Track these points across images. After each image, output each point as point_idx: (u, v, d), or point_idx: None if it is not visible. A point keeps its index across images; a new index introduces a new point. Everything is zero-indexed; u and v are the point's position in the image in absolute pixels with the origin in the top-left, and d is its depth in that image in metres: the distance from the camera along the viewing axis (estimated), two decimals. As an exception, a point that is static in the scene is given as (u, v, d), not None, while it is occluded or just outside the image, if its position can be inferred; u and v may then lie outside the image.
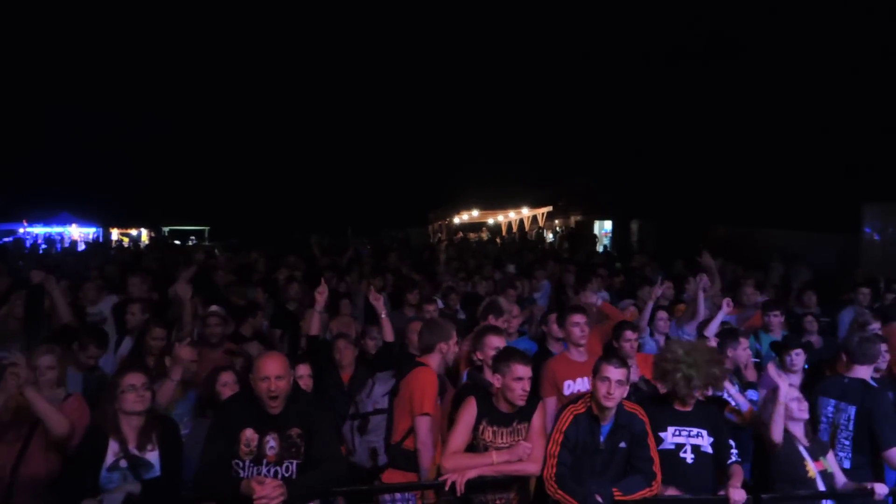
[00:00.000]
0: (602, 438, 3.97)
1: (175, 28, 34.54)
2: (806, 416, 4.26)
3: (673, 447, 4.09)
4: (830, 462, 4.24)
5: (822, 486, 4.09)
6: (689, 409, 4.18)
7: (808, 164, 22.43)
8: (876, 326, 5.97)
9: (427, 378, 4.53)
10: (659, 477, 3.88)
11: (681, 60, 26.96)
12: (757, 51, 24.63)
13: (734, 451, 4.12)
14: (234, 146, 36.12)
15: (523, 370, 3.93)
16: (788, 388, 4.25)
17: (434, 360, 4.65)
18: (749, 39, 24.95)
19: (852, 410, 4.44)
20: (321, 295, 5.37)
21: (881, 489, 3.96)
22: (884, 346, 5.05)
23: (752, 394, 5.00)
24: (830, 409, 4.55)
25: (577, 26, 29.33)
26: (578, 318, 5.05)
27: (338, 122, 34.08)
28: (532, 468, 3.95)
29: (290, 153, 35.95)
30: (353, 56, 34.23)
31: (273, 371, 3.64)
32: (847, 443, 4.44)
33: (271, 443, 3.67)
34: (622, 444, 3.95)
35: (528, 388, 3.95)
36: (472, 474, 3.90)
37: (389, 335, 5.63)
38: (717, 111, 24.85)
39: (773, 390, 4.24)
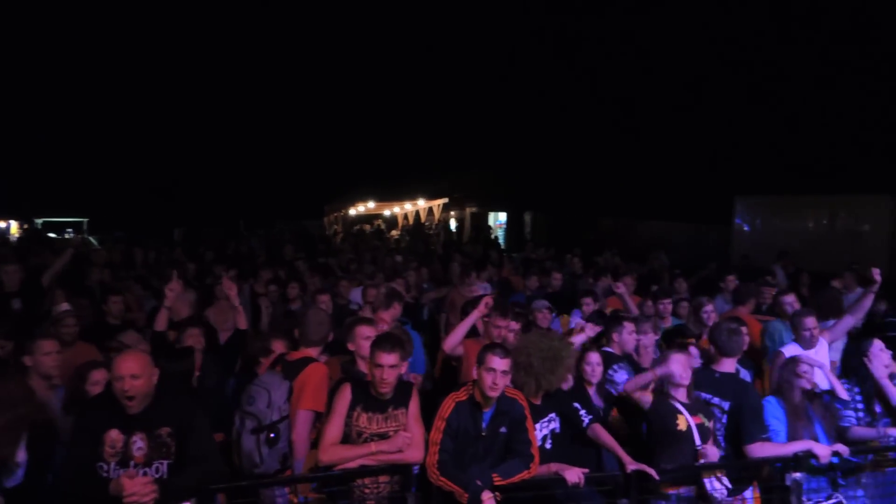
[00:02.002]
0: (484, 424, 4.02)
1: (47, 10, 32.17)
2: (687, 381, 4.41)
3: (540, 443, 4.27)
4: (709, 421, 4.44)
5: (697, 439, 4.28)
6: (538, 402, 4.38)
7: (687, 160, 23.75)
8: (709, 308, 6.44)
9: (314, 373, 4.46)
10: (537, 459, 3.99)
11: (573, 55, 27.79)
12: (640, 50, 25.73)
13: (582, 412, 4.35)
14: (117, 131, 34.03)
15: (387, 357, 3.93)
16: (675, 356, 4.45)
17: (316, 352, 4.59)
18: (632, 38, 26.02)
19: (726, 405, 4.60)
20: (171, 291, 5.27)
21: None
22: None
23: (620, 374, 5.18)
24: (705, 402, 4.65)
25: (466, 17, 29.65)
26: (367, 331, 4.69)
27: (230, 111, 32.77)
28: (414, 455, 3.95)
29: (178, 141, 34.31)
30: (245, 43, 33.05)
31: (127, 370, 3.49)
32: (720, 437, 4.59)
33: (139, 443, 3.50)
34: (503, 430, 4.03)
35: (389, 376, 3.95)
36: (352, 464, 3.89)
37: (243, 323, 5.64)
38: (605, 108, 25.85)
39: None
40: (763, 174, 20.41)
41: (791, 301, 6.31)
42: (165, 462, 3.54)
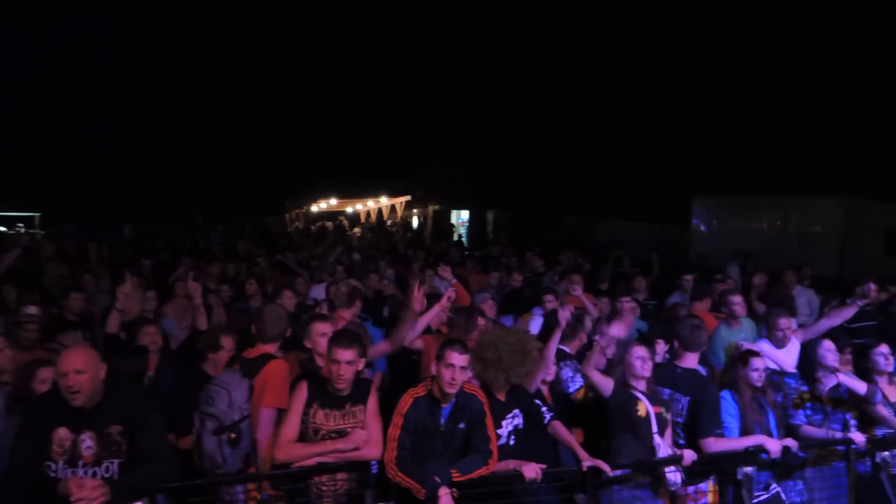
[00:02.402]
0: (442, 420, 4.02)
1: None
2: (648, 374, 4.47)
3: (504, 440, 4.29)
4: (668, 413, 4.51)
5: (654, 427, 4.35)
6: (503, 398, 4.40)
7: (646, 160, 24.15)
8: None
9: (275, 370, 4.40)
10: (496, 455, 4.00)
11: (535, 54, 27.98)
12: (601, 51, 26.03)
13: (544, 408, 4.40)
14: (69, 124, 33.09)
15: (344, 353, 3.91)
16: (636, 349, 4.52)
17: (274, 349, 4.53)
18: (591, 39, 26.31)
19: (685, 401, 4.67)
20: (122, 294, 5.24)
21: (690, 456, 4.31)
22: None
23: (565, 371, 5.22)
24: (665, 397, 4.73)
25: (431, 15, 29.64)
26: (323, 327, 4.62)
27: (188, 105, 32.13)
28: (372, 452, 3.94)
29: (134, 134, 33.50)
30: (204, 34, 32.44)
31: (71, 365, 3.42)
32: (680, 431, 4.68)
33: (87, 442, 3.42)
34: (461, 426, 4.03)
35: (346, 372, 3.92)
36: (309, 462, 3.85)
37: (203, 324, 5.58)
38: (568, 108, 26.10)
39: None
40: (720, 175, 20.86)
41: (738, 301, 6.35)
42: (116, 461, 3.47)
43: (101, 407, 3.48)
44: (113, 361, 3.81)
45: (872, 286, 6.31)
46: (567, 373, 5.16)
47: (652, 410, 4.38)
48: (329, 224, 24.39)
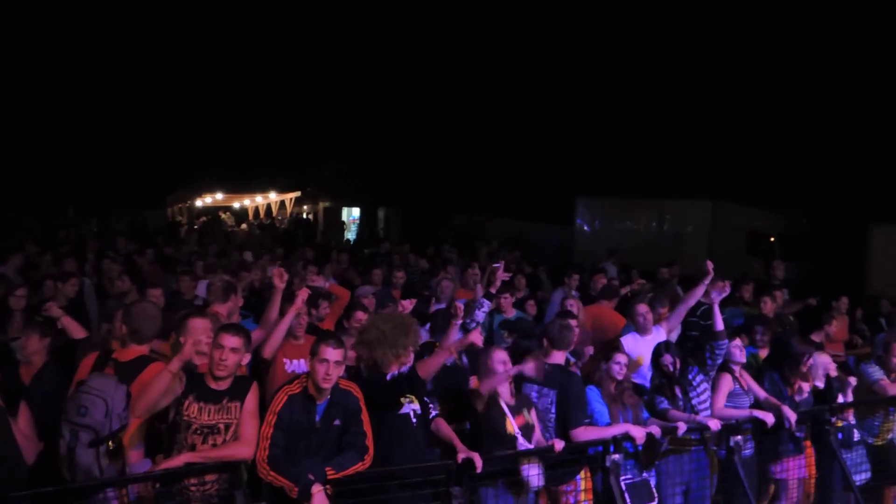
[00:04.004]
0: (318, 417, 3.96)
1: None
2: (508, 379, 4.59)
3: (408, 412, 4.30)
4: (532, 416, 4.66)
5: (521, 441, 4.47)
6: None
7: (535, 162, 24.90)
8: (572, 303, 6.77)
9: (147, 374, 4.15)
10: (372, 450, 3.96)
11: (428, 53, 28.16)
12: (491, 53, 26.56)
13: (431, 405, 4.44)
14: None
15: (230, 339, 3.87)
16: (497, 353, 4.64)
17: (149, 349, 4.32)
18: (484, 42, 26.80)
19: (553, 395, 4.82)
20: None
21: (559, 444, 4.46)
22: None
23: None
24: (535, 394, 4.89)
25: (326, 11, 29.21)
26: (200, 322, 4.41)
27: (57, 87, 29.81)
28: (244, 451, 3.82)
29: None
30: (75, 16, 30.31)
31: None
32: (551, 425, 4.82)
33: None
34: (337, 422, 3.98)
35: (229, 358, 3.85)
36: (177, 462, 3.71)
37: (79, 332, 5.29)
38: (458, 108, 26.45)
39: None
40: (603, 178, 21.83)
41: (643, 312, 6.28)
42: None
43: None
44: None
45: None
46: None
47: (515, 425, 4.51)
48: (205, 218, 23.55)
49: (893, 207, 15.43)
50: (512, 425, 4.50)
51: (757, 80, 21.98)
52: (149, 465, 3.93)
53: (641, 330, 6.09)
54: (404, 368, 4.28)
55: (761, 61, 22.03)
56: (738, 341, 5.65)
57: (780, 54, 21.71)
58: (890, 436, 5.97)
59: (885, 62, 19.22)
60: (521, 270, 10.16)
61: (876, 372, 6.01)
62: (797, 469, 5.45)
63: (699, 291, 6.39)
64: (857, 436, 5.70)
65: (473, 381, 4.94)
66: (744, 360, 5.57)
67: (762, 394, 5.47)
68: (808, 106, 20.55)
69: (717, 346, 5.35)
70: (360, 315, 5.66)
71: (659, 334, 6.09)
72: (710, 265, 6.35)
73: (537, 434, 4.65)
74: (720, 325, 5.43)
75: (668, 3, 23.80)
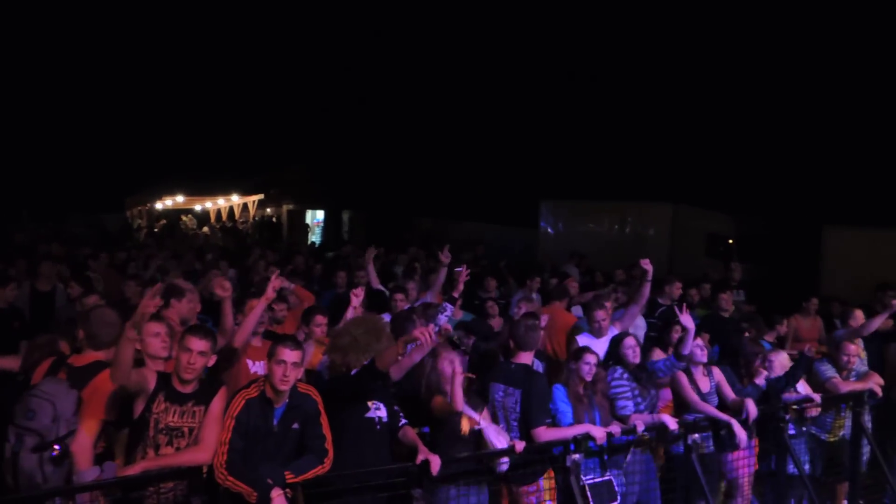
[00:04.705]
0: (276, 421, 3.93)
1: None
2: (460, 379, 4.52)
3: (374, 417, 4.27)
4: (484, 416, 4.63)
5: (484, 424, 4.44)
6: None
7: (499, 165, 25.03)
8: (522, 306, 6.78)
9: (100, 379, 4.06)
10: (331, 454, 3.93)
11: (392, 56, 28.13)
12: (455, 56, 26.66)
13: (401, 413, 4.41)
14: None
15: (197, 343, 3.86)
16: (447, 354, 4.63)
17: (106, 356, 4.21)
18: (447, 41, 26.90)
19: (518, 394, 4.83)
20: None
21: (520, 445, 4.47)
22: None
23: None
24: (500, 393, 4.90)
25: (290, 14, 29.00)
26: (155, 327, 4.32)
27: (12, 89, 29.01)
28: (202, 456, 3.78)
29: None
30: (38, 17, 29.60)
31: None
32: (515, 424, 4.83)
33: None
34: (295, 426, 3.95)
35: (196, 361, 3.85)
36: (133, 471, 3.65)
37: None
38: (422, 111, 26.48)
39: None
40: (566, 181, 22.04)
41: (601, 318, 6.33)
42: None
43: None
44: None
45: (677, 285, 7.20)
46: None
47: (479, 419, 4.48)
48: (163, 221, 23.16)
49: (846, 210, 15.87)
50: (467, 426, 4.47)
51: (715, 86, 22.43)
52: (97, 472, 3.83)
53: (597, 333, 6.14)
54: (366, 361, 4.26)
55: (719, 67, 22.50)
56: (699, 341, 5.70)
57: (737, 60, 22.20)
58: (842, 432, 6.12)
59: (839, 68, 19.78)
60: (494, 273, 10.17)
61: (828, 370, 6.17)
62: (748, 466, 5.52)
63: (645, 292, 6.48)
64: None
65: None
66: (705, 359, 5.63)
67: (731, 395, 5.53)
68: (765, 112, 21.06)
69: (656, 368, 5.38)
70: (320, 319, 5.66)
71: (613, 336, 6.15)
72: (645, 263, 6.42)
73: (491, 432, 4.63)
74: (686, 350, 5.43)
75: (627, 7, 24.18)
